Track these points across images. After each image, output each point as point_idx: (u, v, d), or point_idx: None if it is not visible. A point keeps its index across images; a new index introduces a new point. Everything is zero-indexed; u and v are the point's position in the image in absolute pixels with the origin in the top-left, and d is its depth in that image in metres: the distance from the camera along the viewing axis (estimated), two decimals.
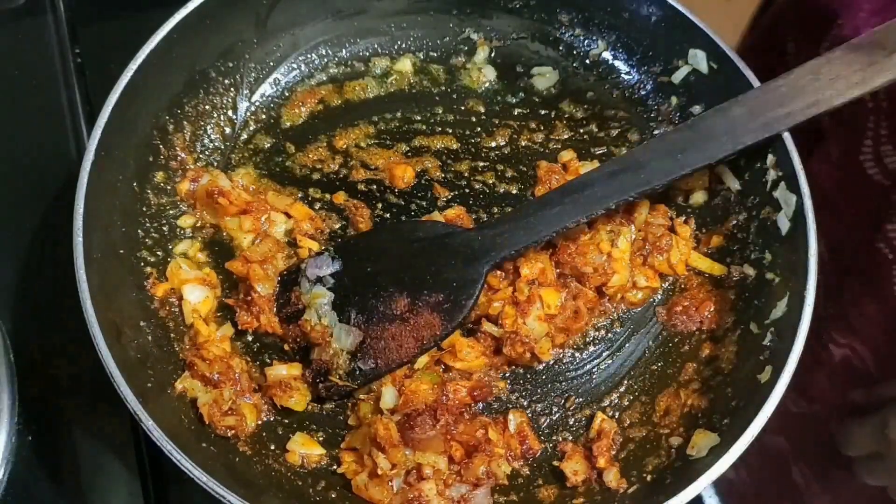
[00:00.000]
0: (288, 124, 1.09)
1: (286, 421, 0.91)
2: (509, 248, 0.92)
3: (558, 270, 0.98)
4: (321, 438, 0.90)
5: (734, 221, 1.00)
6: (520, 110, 1.11)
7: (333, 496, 0.86)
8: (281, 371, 0.90)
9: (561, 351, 0.96)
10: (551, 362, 0.96)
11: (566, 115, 1.11)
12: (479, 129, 1.10)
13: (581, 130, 1.10)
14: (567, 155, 1.07)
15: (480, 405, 0.92)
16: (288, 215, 1.02)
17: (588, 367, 0.96)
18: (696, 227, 1.03)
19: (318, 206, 1.04)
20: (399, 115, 1.10)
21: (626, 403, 0.94)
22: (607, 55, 1.14)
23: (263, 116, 1.10)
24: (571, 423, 0.93)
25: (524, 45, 1.15)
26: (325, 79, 1.12)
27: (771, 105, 0.91)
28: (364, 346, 0.89)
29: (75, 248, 0.83)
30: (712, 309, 0.97)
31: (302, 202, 1.03)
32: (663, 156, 0.93)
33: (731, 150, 0.92)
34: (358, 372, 0.89)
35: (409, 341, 0.89)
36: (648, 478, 0.87)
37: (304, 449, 0.88)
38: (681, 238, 1.00)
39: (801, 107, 0.90)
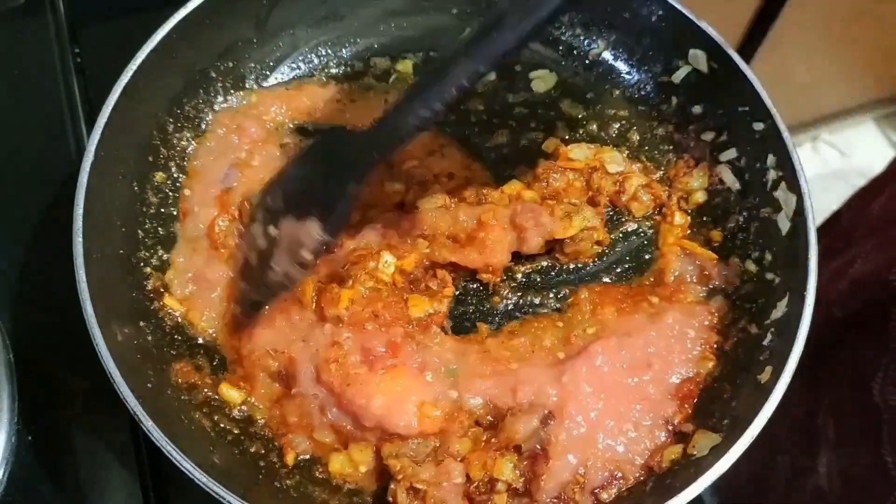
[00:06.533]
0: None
1: None
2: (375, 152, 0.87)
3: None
4: None
5: (734, 222, 1.00)
6: (520, 110, 1.11)
7: (334, 497, 0.86)
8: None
9: None
10: None
11: (566, 115, 1.11)
12: (478, 129, 1.10)
13: (581, 130, 1.10)
14: (552, 144, 1.07)
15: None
16: None
17: None
18: (696, 227, 1.03)
19: None
20: None
21: None
22: (607, 55, 1.14)
23: None
24: None
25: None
26: (324, 79, 1.12)
27: None
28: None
29: (75, 248, 0.83)
30: (712, 309, 0.97)
31: None
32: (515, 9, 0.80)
33: None
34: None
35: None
36: None
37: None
38: (674, 226, 1.01)
39: None
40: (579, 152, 1.05)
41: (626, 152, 1.07)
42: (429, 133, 1.07)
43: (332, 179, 0.88)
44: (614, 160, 1.04)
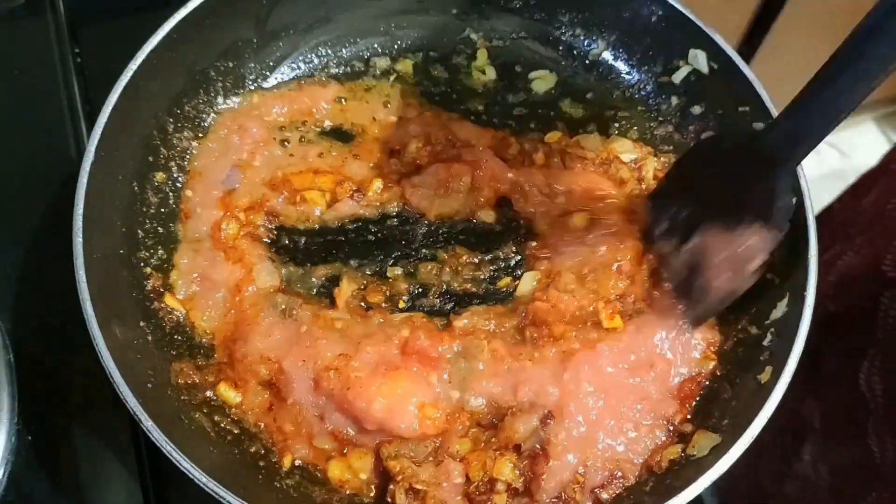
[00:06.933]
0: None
1: None
2: (810, 139, 0.81)
3: None
4: None
5: None
6: (520, 110, 1.11)
7: (334, 497, 0.86)
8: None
9: None
10: None
11: (566, 115, 1.11)
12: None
13: (581, 130, 1.10)
14: (555, 135, 1.08)
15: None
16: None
17: None
18: None
19: None
20: None
21: None
22: (607, 55, 1.14)
23: None
24: None
25: (524, 45, 1.15)
26: (324, 79, 1.12)
27: None
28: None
29: (75, 248, 0.83)
30: None
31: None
32: None
33: None
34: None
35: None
36: None
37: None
38: None
39: None
40: (591, 142, 1.06)
41: None
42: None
43: (757, 178, 0.85)
44: (625, 148, 1.05)
